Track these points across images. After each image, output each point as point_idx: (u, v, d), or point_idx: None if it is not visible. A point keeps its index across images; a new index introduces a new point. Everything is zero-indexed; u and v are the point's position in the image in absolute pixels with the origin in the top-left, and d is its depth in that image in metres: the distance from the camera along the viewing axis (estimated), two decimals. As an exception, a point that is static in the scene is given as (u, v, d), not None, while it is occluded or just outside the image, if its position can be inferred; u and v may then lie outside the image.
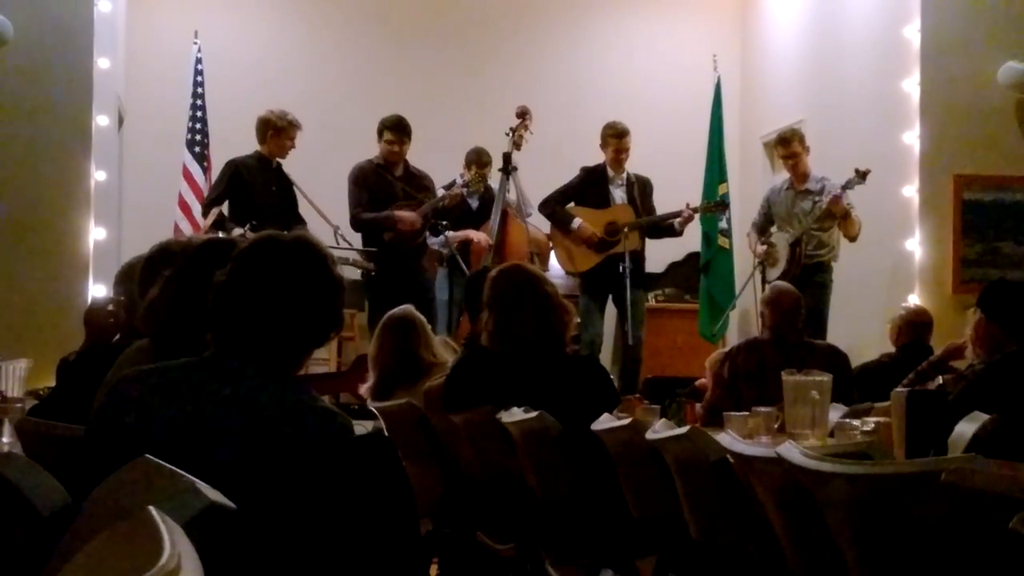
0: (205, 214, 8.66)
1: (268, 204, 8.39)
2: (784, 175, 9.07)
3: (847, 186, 8.21)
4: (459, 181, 9.18)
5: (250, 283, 2.57)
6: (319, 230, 8.45)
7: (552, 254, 9.69)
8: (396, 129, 8.75)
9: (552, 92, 11.28)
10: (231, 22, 11.29)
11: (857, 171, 8.17)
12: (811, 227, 8.48)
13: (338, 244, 8.47)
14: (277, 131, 8.61)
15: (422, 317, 5.71)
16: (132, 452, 2.06)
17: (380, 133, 8.80)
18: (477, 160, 9.23)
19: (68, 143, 8.55)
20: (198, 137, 10.16)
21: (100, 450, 2.49)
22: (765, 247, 8.72)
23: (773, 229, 8.84)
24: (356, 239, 8.88)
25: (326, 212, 8.73)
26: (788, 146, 8.73)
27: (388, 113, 8.95)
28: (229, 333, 2.56)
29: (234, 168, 8.60)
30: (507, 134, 9.07)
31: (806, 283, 8.01)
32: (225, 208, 8.52)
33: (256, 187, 8.51)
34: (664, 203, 9.21)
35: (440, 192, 9.03)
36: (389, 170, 8.80)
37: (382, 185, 8.73)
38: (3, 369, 5.36)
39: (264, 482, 2.36)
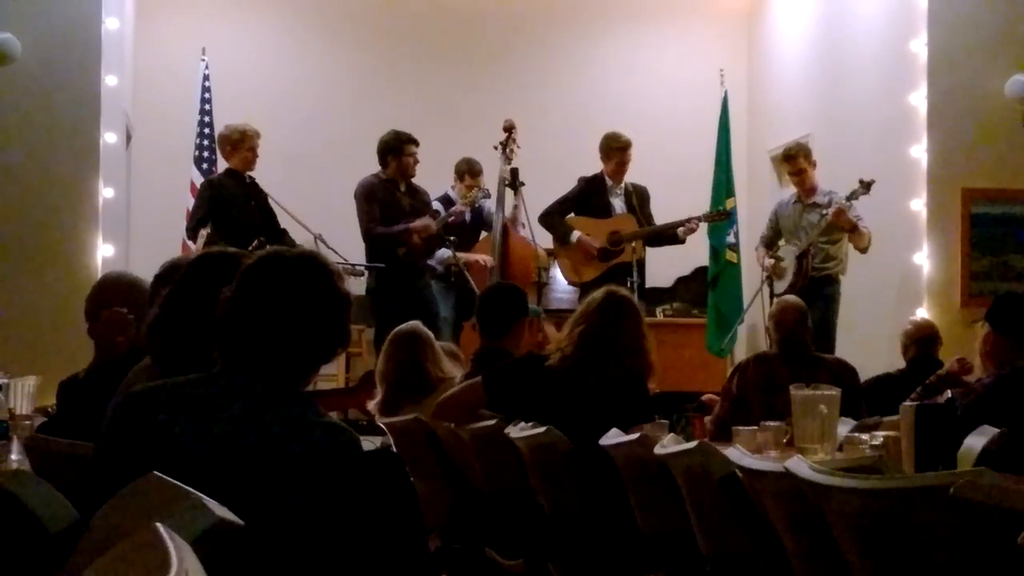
0: (192, 238, 8.55)
1: (248, 219, 8.35)
2: (792, 189, 9.06)
3: (851, 197, 8.20)
4: (452, 194, 9.20)
5: (257, 299, 2.56)
6: (300, 238, 8.44)
7: (555, 267, 9.71)
8: (413, 140, 8.78)
9: (559, 107, 11.30)
10: (238, 39, 11.32)
11: (861, 181, 8.16)
12: (818, 240, 8.47)
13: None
14: (235, 145, 8.56)
15: (429, 332, 5.71)
16: (140, 469, 2.06)
17: (396, 150, 8.77)
18: (469, 170, 9.28)
19: (76, 160, 8.57)
20: (206, 154, 10.18)
21: (108, 467, 2.49)
22: (772, 261, 8.70)
23: (781, 243, 8.83)
24: (344, 248, 8.86)
25: (336, 227, 8.75)
26: (794, 162, 8.73)
27: (391, 127, 8.95)
28: (236, 349, 2.56)
29: (212, 188, 8.57)
30: (496, 148, 9.08)
31: (814, 296, 8.00)
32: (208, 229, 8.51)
33: (235, 204, 8.45)
34: (671, 217, 9.20)
35: (436, 205, 9.05)
36: (396, 186, 8.82)
37: (391, 200, 8.74)
38: (12, 386, 5.34)
39: (272, 498, 2.36)
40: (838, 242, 8.54)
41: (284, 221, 8.64)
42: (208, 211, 8.47)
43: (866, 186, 8.13)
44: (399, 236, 8.62)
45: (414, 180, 9.00)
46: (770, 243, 8.92)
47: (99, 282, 4.70)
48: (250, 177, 8.67)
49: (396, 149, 8.78)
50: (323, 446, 2.45)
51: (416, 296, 8.52)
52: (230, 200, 8.48)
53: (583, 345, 4.85)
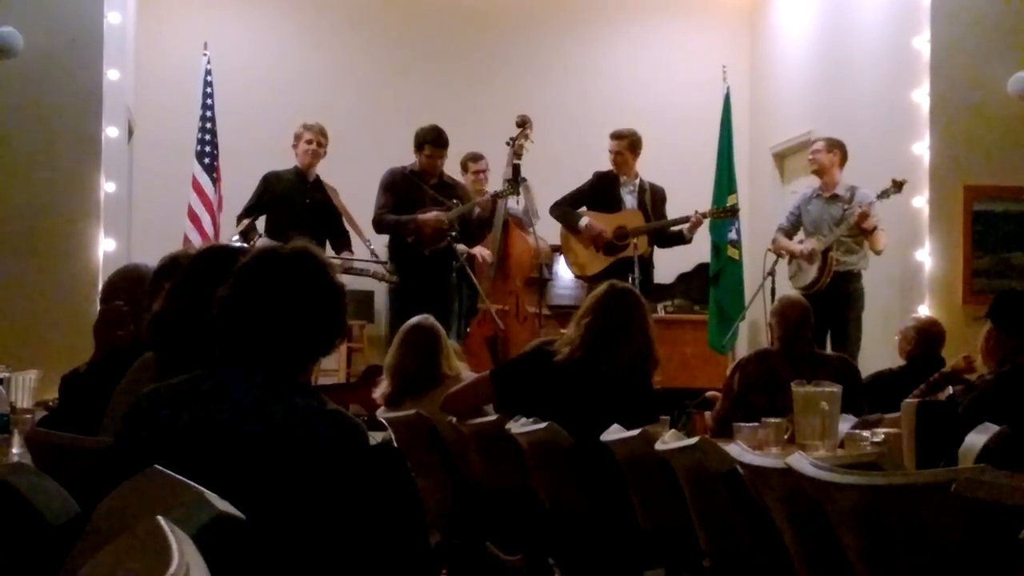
0: (238, 223, 8.76)
1: (300, 218, 8.45)
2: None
3: (883, 195, 8.10)
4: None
5: (252, 297, 2.57)
6: (354, 244, 8.56)
7: (558, 264, 9.68)
8: (436, 144, 8.77)
9: (562, 103, 11.29)
10: (240, 33, 11.31)
11: (894, 181, 8.06)
12: (842, 234, 8.35)
13: (371, 258, 8.57)
14: (295, 142, 8.80)
15: (442, 328, 5.67)
16: (144, 464, 2.06)
17: (419, 146, 8.80)
18: (473, 159, 9.35)
19: (78, 154, 8.57)
20: (207, 148, 10.17)
21: (113, 465, 2.49)
22: (811, 248, 8.48)
23: (799, 236, 8.73)
24: (384, 251, 8.93)
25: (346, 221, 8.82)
26: (815, 144, 8.75)
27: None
28: (235, 347, 2.56)
29: (264, 181, 8.85)
30: (508, 143, 9.08)
31: (837, 294, 7.96)
32: (261, 221, 8.63)
33: (287, 201, 8.68)
34: (673, 214, 9.19)
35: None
36: (423, 179, 8.82)
37: (412, 192, 8.74)
38: (13, 380, 5.35)
39: (276, 490, 2.36)
40: (858, 235, 8.45)
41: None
42: (257, 202, 8.78)
43: (898, 186, 8.05)
44: (405, 224, 8.63)
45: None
46: (788, 235, 8.81)
47: (111, 275, 4.71)
48: (316, 176, 8.78)
49: (417, 145, 8.81)
50: (327, 434, 2.46)
51: (438, 287, 8.53)
52: (280, 195, 8.71)
53: (591, 337, 4.85)
